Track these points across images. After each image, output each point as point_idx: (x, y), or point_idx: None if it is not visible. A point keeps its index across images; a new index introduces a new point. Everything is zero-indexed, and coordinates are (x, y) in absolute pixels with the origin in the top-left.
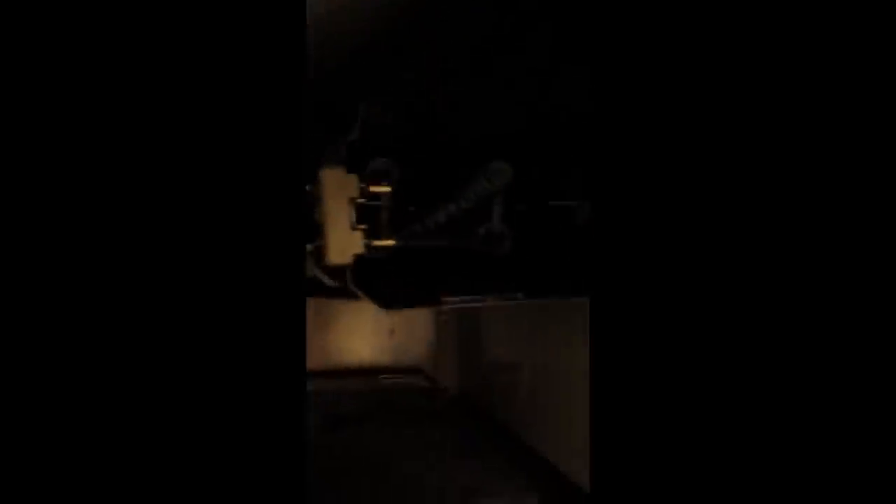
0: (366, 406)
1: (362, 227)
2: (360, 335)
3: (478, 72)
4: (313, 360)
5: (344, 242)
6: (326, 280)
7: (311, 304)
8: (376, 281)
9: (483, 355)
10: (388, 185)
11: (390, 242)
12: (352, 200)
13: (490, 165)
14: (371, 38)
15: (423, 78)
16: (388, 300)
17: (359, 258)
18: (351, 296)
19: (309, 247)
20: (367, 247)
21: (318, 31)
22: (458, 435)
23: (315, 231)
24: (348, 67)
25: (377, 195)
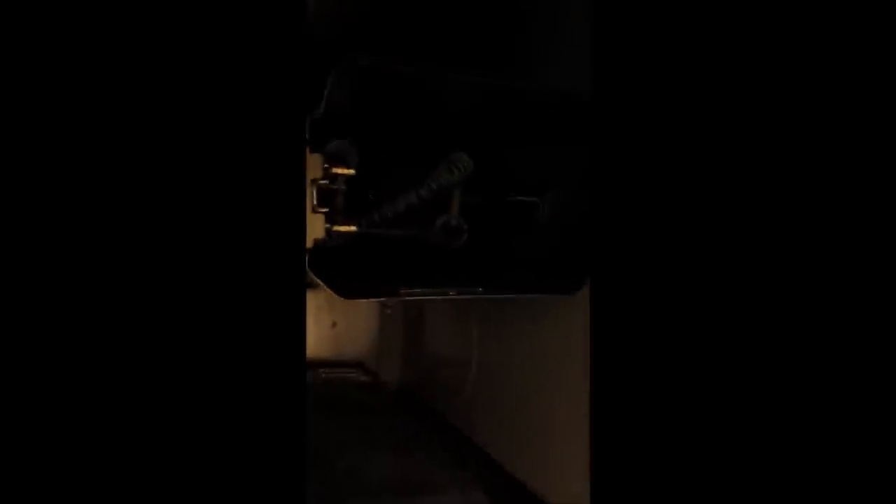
0: (310, 398)
1: (323, 210)
2: None
3: (446, 58)
4: None
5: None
6: None
7: None
8: (334, 268)
9: (427, 350)
10: (349, 168)
11: (351, 228)
12: (313, 182)
13: (452, 155)
14: (341, 14)
15: (390, 58)
16: (347, 290)
17: (317, 243)
18: None
19: None
20: (327, 231)
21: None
22: (400, 428)
23: None
24: (315, 40)
25: (336, 177)
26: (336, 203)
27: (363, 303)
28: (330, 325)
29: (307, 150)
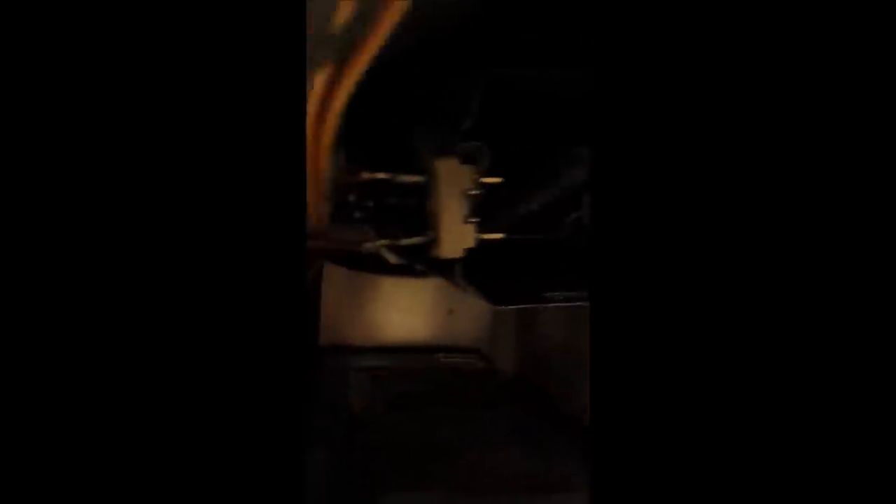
0: (425, 386)
1: (475, 220)
2: (418, 314)
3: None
4: (371, 337)
5: (457, 236)
6: (391, 258)
7: (372, 282)
8: (485, 276)
9: (541, 337)
10: (498, 178)
11: (499, 236)
12: (465, 193)
13: (576, 151)
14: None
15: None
16: (498, 297)
17: (469, 252)
18: (414, 274)
19: (418, 239)
20: (478, 241)
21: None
22: (520, 419)
23: (420, 222)
24: (453, 57)
25: (486, 187)
26: (486, 212)
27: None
28: (447, 312)
29: (457, 162)
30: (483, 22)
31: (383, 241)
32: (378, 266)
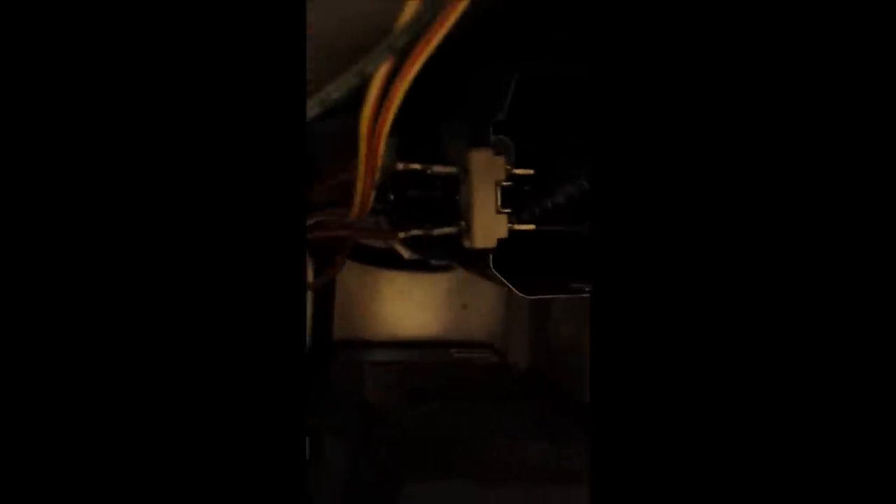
0: (440, 380)
1: (507, 210)
2: (432, 309)
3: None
4: (385, 332)
5: (490, 227)
6: (405, 252)
7: (385, 277)
8: (515, 267)
9: (554, 332)
10: (529, 169)
11: (530, 227)
12: (498, 183)
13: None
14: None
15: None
16: (528, 287)
17: (500, 243)
18: (428, 269)
19: (450, 229)
20: (510, 231)
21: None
22: (536, 412)
23: (451, 212)
24: (482, 51)
25: (518, 178)
26: (517, 203)
27: (490, 288)
28: (461, 307)
29: (490, 153)
30: (512, 14)
31: (416, 231)
32: (391, 261)
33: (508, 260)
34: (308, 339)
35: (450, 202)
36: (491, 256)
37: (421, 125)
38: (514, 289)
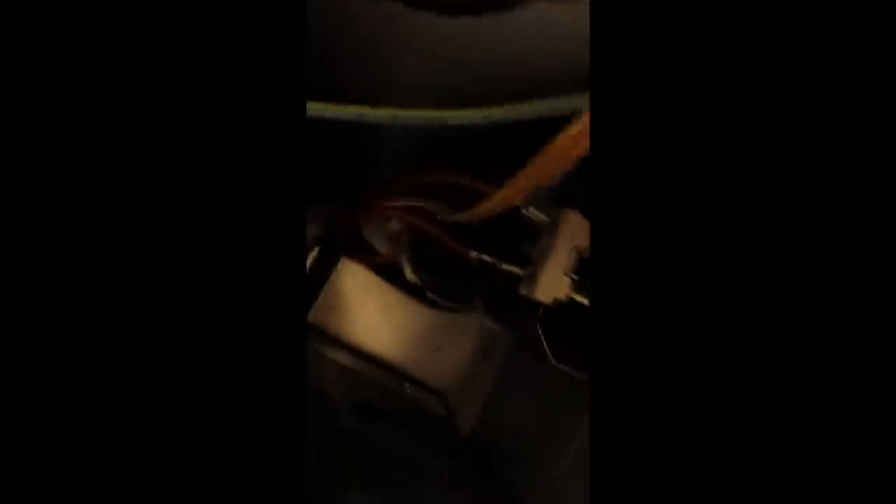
0: (390, 407)
1: (574, 276)
2: (407, 337)
3: None
4: (354, 338)
5: (553, 284)
6: (408, 274)
7: (380, 287)
8: (557, 332)
9: (510, 414)
10: None
11: (585, 301)
12: (576, 248)
13: None
14: None
15: None
16: (561, 356)
17: (555, 303)
18: (422, 299)
19: (518, 269)
20: (567, 297)
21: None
22: (473, 478)
23: (522, 257)
24: None
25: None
26: (584, 278)
27: (469, 341)
28: (434, 348)
29: (581, 216)
30: None
31: (486, 257)
32: (390, 274)
33: (558, 324)
34: None
35: (522, 252)
36: (542, 309)
37: None
38: (549, 350)
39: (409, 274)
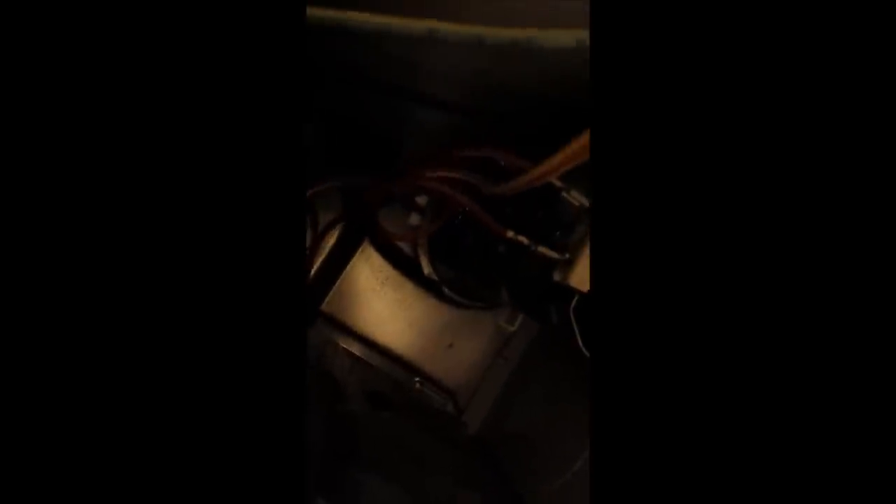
0: (400, 398)
1: None
2: (421, 332)
3: None
4: (367, 329)
5: (589, 271)
6: (425, 268)
7: (397, 280)
8: (590, 321)
9: (516, 417)
10: None
11: None
12: None
13: None
14: None
15: None
16: (587, 341)
17: (588, 294)
18: (438, 294)
19: (553, 253)
20: None
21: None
22: (481, 472)
23: (558, 243)
24: None
25: None
26: None
27: (488, 341)
28: (447, 345)
29: None
30: None
31: (523, 238)
32: (409, 270)
33: (587, 313)
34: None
35: (559, 238)
36: (576, 298)
37: None
38: (579, 339)
39: (427, 268)
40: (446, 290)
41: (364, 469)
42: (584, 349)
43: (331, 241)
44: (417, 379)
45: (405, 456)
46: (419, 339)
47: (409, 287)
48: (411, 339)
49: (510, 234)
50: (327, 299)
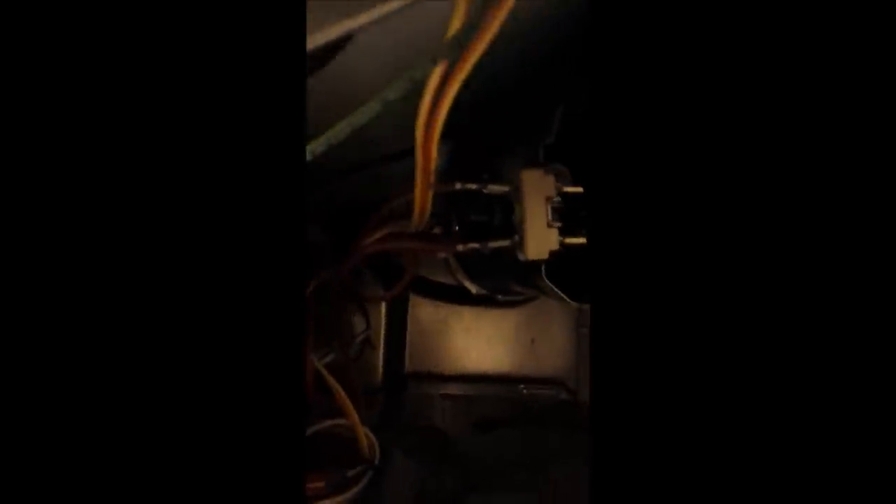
0: (508, 411)
1: (557, 224)
2: (501, 343)
3: None
4: (455, 366)
5: (541, 239)
6: (472, 288)
7: (454, 312)
8: (567, 276)
9: None
10: (578, 187)
11: (581, 241)
12: (548, 199)
13: None
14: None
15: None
16: (578, 295)
17: (553, 255)
18: (494, 305)
19: (505, 242)
20: (561, 244)
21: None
22: None
23: (506, 229)
24: (537, 77)
25: (567, 195)
26: (572, 221)
27: (562, 320)
28: (529, 342)
29: (541, 172)
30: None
31: (473, 244)
32: (459, 297)
33: (563, 272)
34: (381, 371)
35: (506, 224)
36: (543, 267)
37: (476, 149)
38: (566, 297)
39: (473, 288)
40: (500, 298)
41: (484, 492)
42: (574, 303)
43: (381, 313)
44: (521, 385)
45: (523, 460)
46: (502, 350)
47: (467, 312)
48: (495, 354)
49: (460, 247)
50: (406, 361)
